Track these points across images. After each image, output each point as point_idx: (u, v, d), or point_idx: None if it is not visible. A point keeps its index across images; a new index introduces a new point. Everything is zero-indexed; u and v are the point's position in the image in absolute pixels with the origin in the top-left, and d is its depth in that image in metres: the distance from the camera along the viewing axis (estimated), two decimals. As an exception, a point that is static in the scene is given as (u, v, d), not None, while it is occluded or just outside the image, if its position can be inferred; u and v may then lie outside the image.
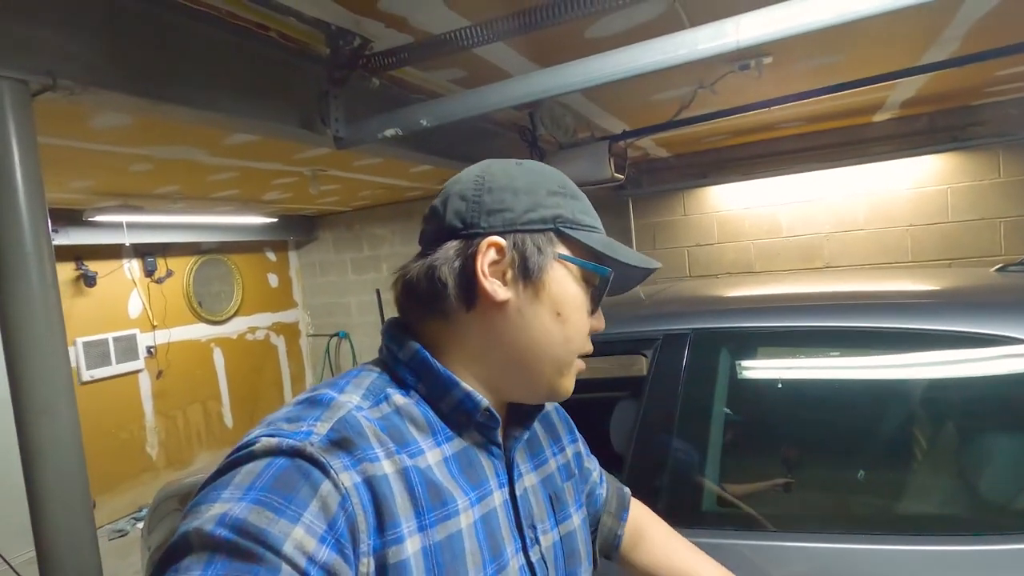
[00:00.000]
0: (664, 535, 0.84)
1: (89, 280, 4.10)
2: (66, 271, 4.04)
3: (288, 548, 0.40)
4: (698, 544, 1.16)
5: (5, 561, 3.33)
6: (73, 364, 3.98)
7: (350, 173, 3.45)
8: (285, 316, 5.67)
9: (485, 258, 0.54)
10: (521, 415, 0.62)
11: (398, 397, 0.55)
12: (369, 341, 5.44)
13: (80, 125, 1.99)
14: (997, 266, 1.67)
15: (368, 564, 0.45)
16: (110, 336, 4.21)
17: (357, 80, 1.57)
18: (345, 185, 3.89)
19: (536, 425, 0.69)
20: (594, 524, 0.80)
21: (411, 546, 0.47)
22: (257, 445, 0.45)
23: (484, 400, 0.55)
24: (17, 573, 3.31)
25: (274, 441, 0.45)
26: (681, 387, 1.34)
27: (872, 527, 1.15)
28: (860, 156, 3.69)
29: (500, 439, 0.59)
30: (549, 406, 0.75)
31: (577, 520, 0.68)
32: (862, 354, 1.35)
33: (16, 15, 0.99)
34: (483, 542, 0.53)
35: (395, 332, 0.59)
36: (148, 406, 4.50)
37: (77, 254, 4.05)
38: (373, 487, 0.47)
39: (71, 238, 3.82)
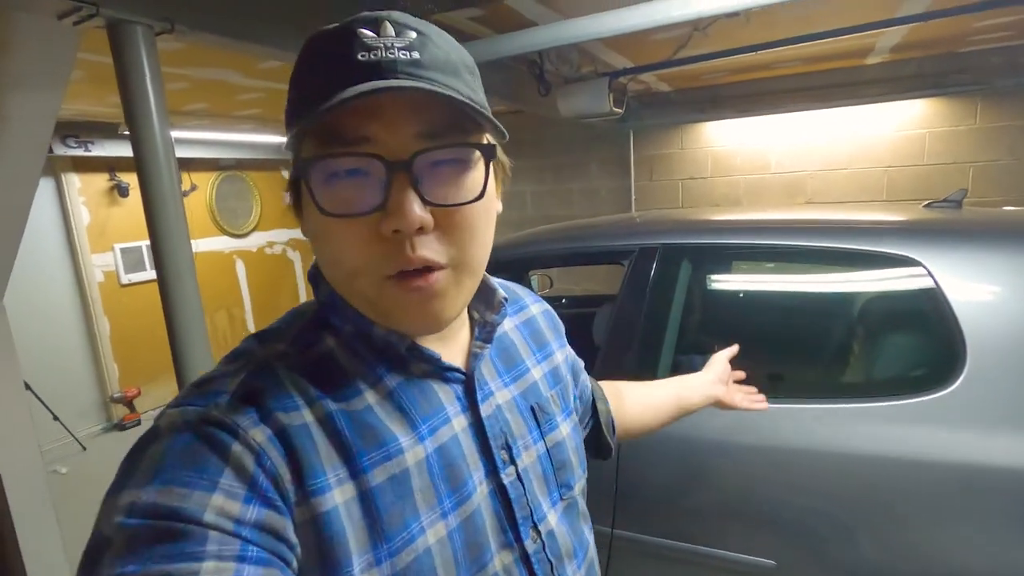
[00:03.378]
0: (627, 388, 0.93)
1: (122, 191, 4.39)
2: (100, 182, 4.33)
3: (210, 516, 0.38)
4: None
5: (71, 435, 3.88)
6: (112, 268, 4.37)
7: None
8: (300, 233, 5.97)
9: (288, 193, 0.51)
10: (482, 328, 0.57)
11: (330, 339, 0.50)
12: (379, 259, 5.78)
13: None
14: (925, 202, 1.98)
15: (301, 514, 0.42)
16: (143, 244, 4.55)
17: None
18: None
19: (514, 335, 0.64)
20: (590, 415, 0.80)
21: (339, 496, 0.44)
22: (162, 421, 0.43)
23: (407, 338, 0.50)
24: (81, 444, 3.86)
25: (177, 414, 0.43)
26: (648, 291, 1.71)
27: (787, 393, 1.55)
28: (851, 98, 3.90)
29: (454, 364, 0.53)
30: (535, 310, 0.71)
31: (567, 428, 0.64)
32: (794, 269, 1.72)
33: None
34: (438, 476, 0.49)
35: (314, 271, 0.54)
36: (180, 310, 4.91)
37: (111, 165, 4.32)
38: (288, 438, 0.43)
39: (106, 150, 4.08)
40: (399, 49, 0.42)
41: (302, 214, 0.49)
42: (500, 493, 0.53)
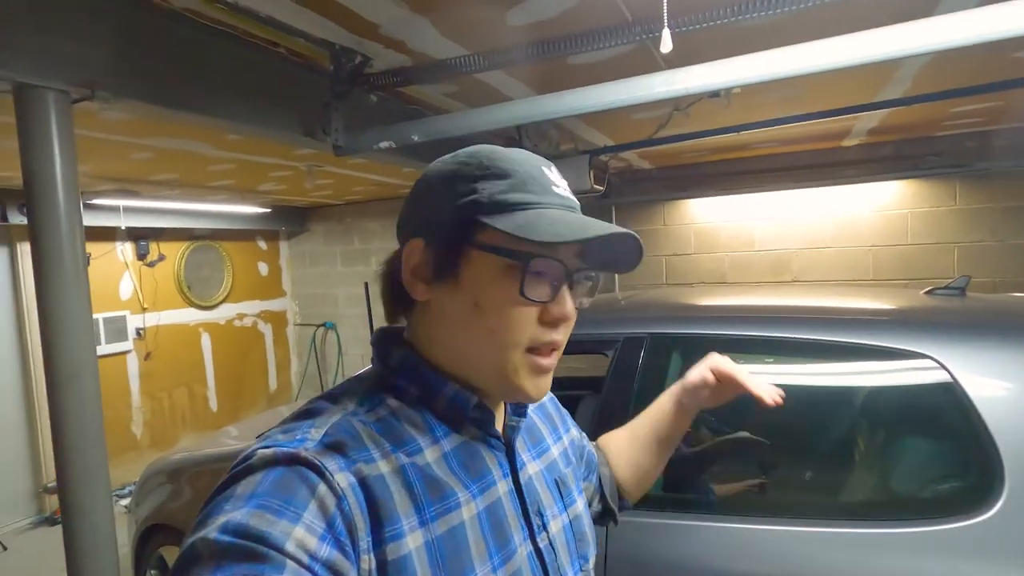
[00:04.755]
0: (613, 440, 0.91)
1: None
2: (60, 251, 4.13)
3: (291, 546, 0.42)
4: (642, 524, 1.34)
5: (-10, 530, 3.43)
6: (63, 342, 4.08)
7: (345, 170, 3.58)
8: (273, 304, 5.78)
9: (408, 262, 0.56)
10: (517, 406, 0.63)
11: (392, 401, 0.56)
12: (355, 333, 5.57)
13: (90, 118, 2.11)
14: (926, 289, 1.86)
15: (369, 561, 0.46)
16: (100, 317, 4.29)
17: (358, 94, 1.73)
18: (339, 180, 4.03)
19: (534, 416, 0.71)
20: (597, 482, 0.84)
21: (412, 541, 0.48)
22: (254, 458, 0.47)
23: (474, 397, 0.56)
24: (1, 544, 3.41)
25: (270, 452, 0.47)
26: (636, 383, 1.51)
27: (790, 512, 1.33)
28: (830, 178, 3.92)
29: (498, 431, 0.60)
30: (544, 397, 0.72)
31: (581, 504, 0.70)
32: (796, 361, 1.54)
33: (61, 32, 1.14)
34: (488, 532, 0.54)
35: (384, 340, 0.61)
36: (135, 386, 4.59)
37: (72, 235, 4.14)
38: (368, 487, 0.48)
39: (67, 219, 3.91)
40: (568, 191, 0.59)
41: (442, 283, 0.55)
42: (538, 556, 0.59)
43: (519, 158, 0.57)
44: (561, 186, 0.57)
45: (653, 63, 1.89)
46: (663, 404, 0.89)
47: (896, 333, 1.32)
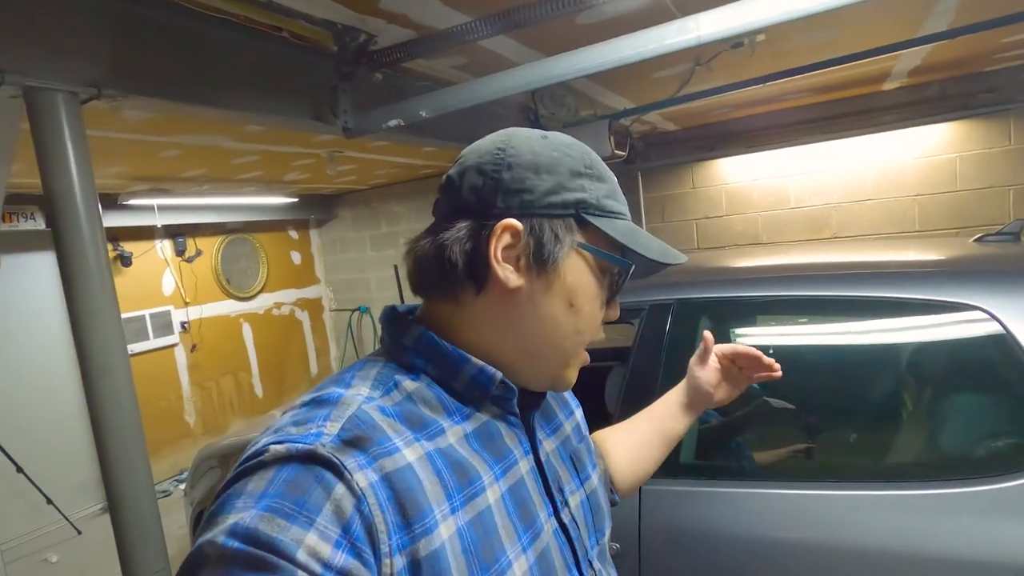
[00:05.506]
0: (608, 435, 0.88)
1: (125, 260, 4.35)
2: (104, 252, 4.31)
3: (302, 555, 0.39)
4: (677, 492, 1.31)
5: (63, 516, 3.68)
6: (114, 339, 4.28)
7: (365, 154, 3.58)
8: (308, 292, 5.91)
9: (499, 242, 0.51)
10: None
11: (408, 383, 0.53)
12: (389, 315, 5.65)
13: (115, 118, 2.16)
14: (976, 236, 1.74)
15: (391, 565, 0.43)
16: (147, 313, 4.48)
17: (364, 73, 1.70)
18: (361, 165, 4.04)
19: (548, 393, 0.70)
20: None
21: (444, 531, 0.46)
22: (266, 453, 0.44)
23: (498, 372, 0.54)
24: (76, 528, 3.66)
25: (283, 448, 0.44)
26: (664, 351, 1.47)
27: (830, 476, 1.28)
28: (869, 126, 3.69)
29: (517, 409, 0.58)
30: None
31: (596, 478, 0.69)
32: (835, 320, 1.47)
33: (63, 33, 1.14)
34: (513, 513, 0.53)
35: (395, 318, 0.58)
36: (184, 377, 4.80)
37: (113, 236, 4.30)
38: (393, 483, 0.45)
39: (107, 220, 4.00)
40: None
41: (538, 273, 0.54)
42: (564, 532, 0.59)
43: (606, 166, 0.59)
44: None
45: (668, 16, 1.79)
46: (668, 402, 0.88)
47: (942, 285, 1.24)
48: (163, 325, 4.60)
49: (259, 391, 5.38)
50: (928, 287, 1.25)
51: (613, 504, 0.82)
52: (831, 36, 2.32)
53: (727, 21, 1.10)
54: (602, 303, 0.57)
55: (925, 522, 1.07)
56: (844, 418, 1.46)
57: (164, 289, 4.68)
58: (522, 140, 0.55)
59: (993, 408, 1.26)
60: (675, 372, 1.44)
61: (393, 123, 1.64)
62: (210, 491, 2.51)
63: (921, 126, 3.59)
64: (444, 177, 0.57)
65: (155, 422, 4.45)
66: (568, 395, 0.76)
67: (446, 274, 0.54)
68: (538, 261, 0.52)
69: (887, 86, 3.59)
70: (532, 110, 2.46)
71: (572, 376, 0.59)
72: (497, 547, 0.49)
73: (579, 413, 0.76)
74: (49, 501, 3.60)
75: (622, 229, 0.55)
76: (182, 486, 4.09)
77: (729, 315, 1.57)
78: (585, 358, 0.59)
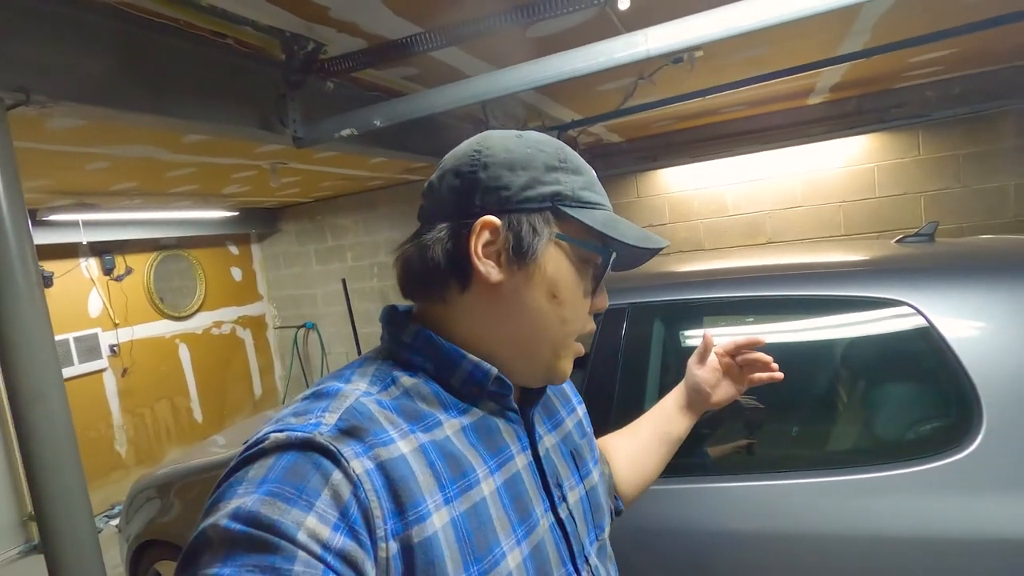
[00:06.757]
0: (611, 440, 0.87)
1: (46, 280, 4.04)
2: (21, 272, 3.98)
3: (302, 536, 0.41)
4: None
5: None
6: (34, 366, 3.95)
7: (310, 165, 3.50)
8: (251, 309, 5.67)
9: (479, 239, 0.53)
10: None
11: (406, 379, 0.54)
12: (336, 331, 5.50)
13: (37, 127, 2.01)
14: (897, 237, 1.88)
15: (387, 549, 0.45)
16: (71, 336, 4.17)
17: (314, 82, 1.67)
18: (306, 177, 3.93)
19: (548, 388, 0.69)
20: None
21: (438, 520, 0.47)
22: (267, 441, 0.45)
23: (493, 368, 0.55)
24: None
25: (283, 436, 0.45)
26: (621, 355, 1.51)
27: (779, 467, 1.35)
28: (797, 137, 3.95)
29: (515, 405, 0.59)
30: None
31: (596, 475, 0.69)
32: (775, 319, 1.55)
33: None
34: (508, 506, 0.53)
35: (394, 317, 0.59)
36: (114, 404, 4.48)
37: (32, 254, 3.99)
38: (387, 471, 0.46)
39: (25, 238, 3.76)
40: None
41: (519, 267, 0.54)
42: (559, 527, 0.59)
43: (582, 159, 0.60)
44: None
45: (614, 31, 1.86)
46: (667, 404, 0.88)
47: (871, 282, 1.33)
48: (90, 349, 4.29)
49: (198, 415, 5.09)
50: (859, 285, 1.34)
51: (618, 513, 0.81)
52: (761, 53, 2.48)
53: (674, 36, 1.16)
54: (586, 292, 0.58)
55: (865, 504, 1.14)
56: (786, 412, 1.54)
57: (91, 310, 4.37)
58: (497, 140, 0.57)
59: (920, 395, 1.37)
60: (632, 374, 1.50)
61: (346, 132, 1.62)
62: (149, 523, 2.35)
63: (843, 138, 3.87)
64: (426, 183, 0.59)
65: (83, 454, 4.10)
66: (571, 391, 0.76)
67: (431, 274, 0.55)
68: (518, 255, 0.54)
69: (811, 100, 3.86)
70: (483, 121, 2.48)
71: (566, 367, 0.59)
72: (491, 538, 0.51)
73: (581, 409, 0.76)
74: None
75: (600, 218, 0.56)
76: (114, 522, 3.80)
77: (680, 317, 1.64)
78: (578, 349, 0.60)
